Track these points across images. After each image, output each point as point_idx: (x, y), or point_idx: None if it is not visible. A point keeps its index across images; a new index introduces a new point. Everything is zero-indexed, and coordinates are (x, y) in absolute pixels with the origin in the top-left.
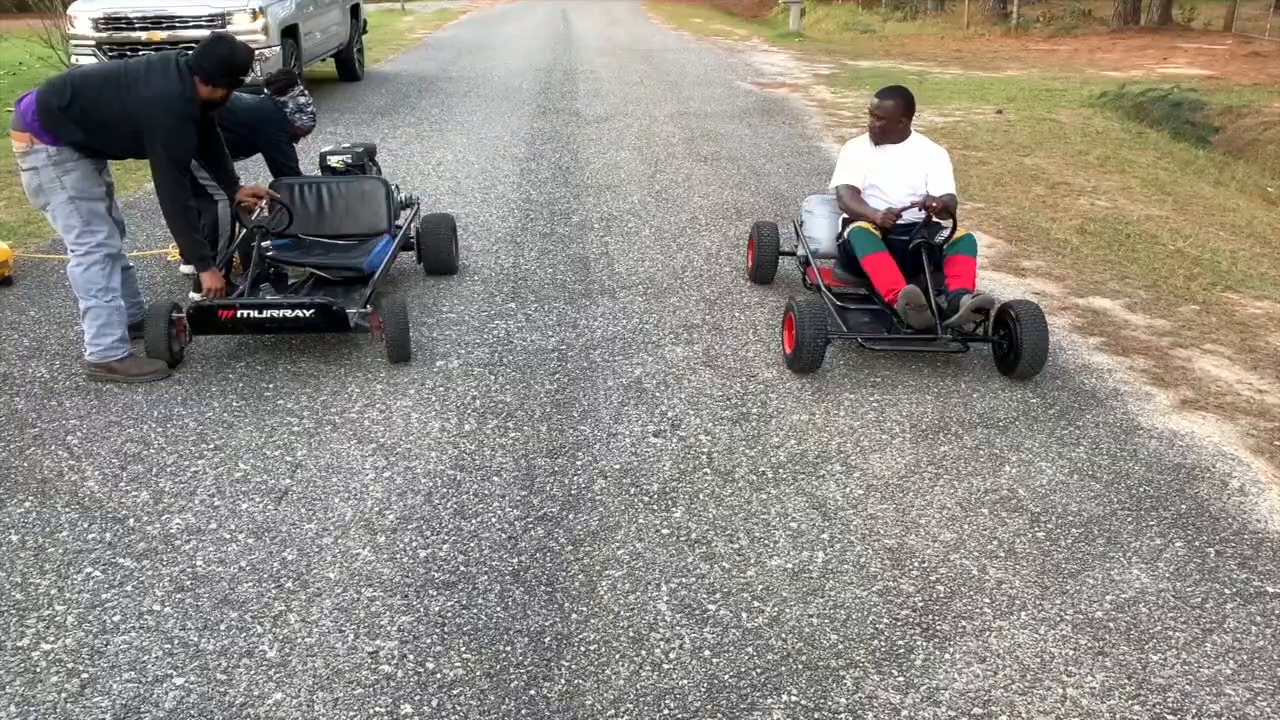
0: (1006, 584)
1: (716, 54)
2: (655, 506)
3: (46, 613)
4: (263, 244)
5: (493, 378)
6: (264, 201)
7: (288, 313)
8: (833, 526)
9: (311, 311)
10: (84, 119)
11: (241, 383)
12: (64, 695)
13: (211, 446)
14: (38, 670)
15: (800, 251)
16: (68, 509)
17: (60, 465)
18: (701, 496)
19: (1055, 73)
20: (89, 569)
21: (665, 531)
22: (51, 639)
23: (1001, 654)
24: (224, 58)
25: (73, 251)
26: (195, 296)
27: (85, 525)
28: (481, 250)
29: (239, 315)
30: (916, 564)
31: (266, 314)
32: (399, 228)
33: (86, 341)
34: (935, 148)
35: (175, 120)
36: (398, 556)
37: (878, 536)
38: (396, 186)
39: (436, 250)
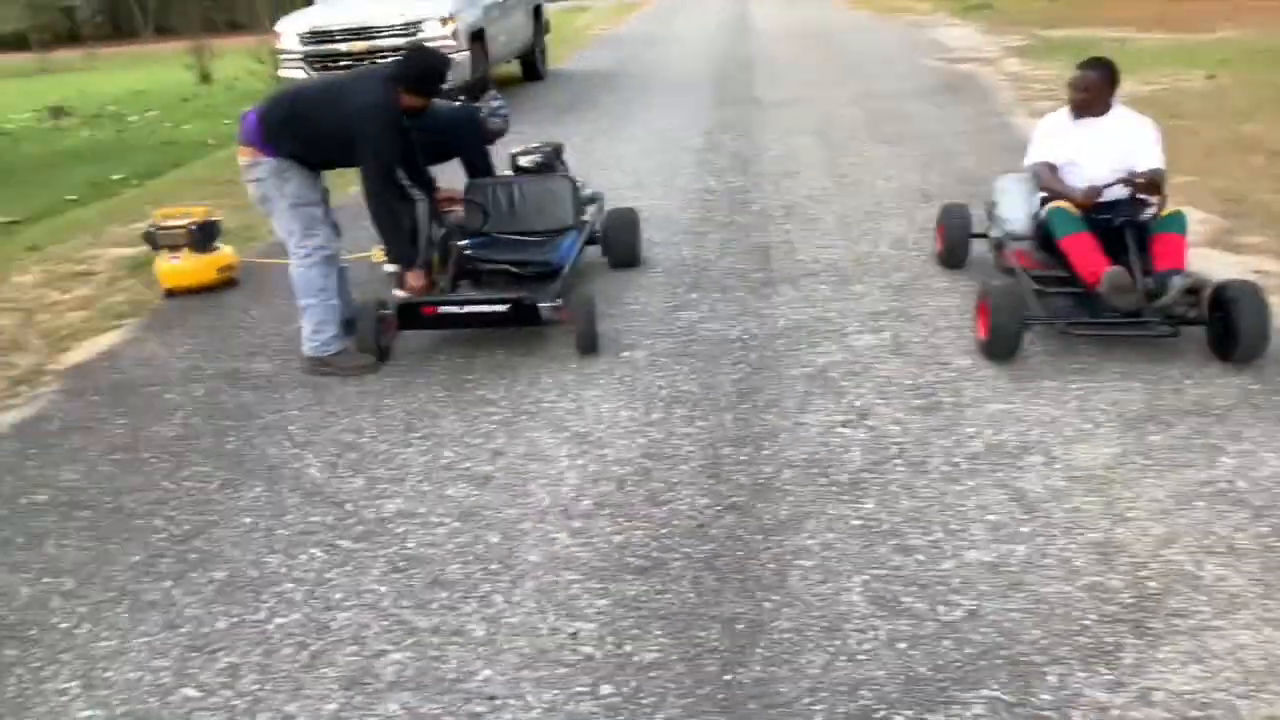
0: (1226, 581)
1: (899, 31)
2: (845, 497)
3: (278, 589)
4: (460, 243)
5: (678, 367)
6: (459, 203)
7: (485, 308)
8: (1034, 520)
9: (507, 306)
10: (301, 132)
11: (444, 375)
12: (296, 666)
13: (419, 435)
14: (272, 642)
15: (993, 234)
16: (293, 494)
17: (285, 453)
18: (893, 488)
19: (1276, 30)
20: (313, 549)
21: (856, 522)
22: (283, 614)
23: (1221, 655)
24: (423, 69)
25: (293, 255)
26: (400, 294)
27: (309, 509)
28: (664, 242)
29: (441, 311)
30: (1125, 559)
31: (466, 309)
32: (585, 223)
33: (305, 338)
34: (1141, 119)
35: (381, 128)
36: (593, 541)
37: (1083, 530)
38: (582, 184)
39: (621, 244)
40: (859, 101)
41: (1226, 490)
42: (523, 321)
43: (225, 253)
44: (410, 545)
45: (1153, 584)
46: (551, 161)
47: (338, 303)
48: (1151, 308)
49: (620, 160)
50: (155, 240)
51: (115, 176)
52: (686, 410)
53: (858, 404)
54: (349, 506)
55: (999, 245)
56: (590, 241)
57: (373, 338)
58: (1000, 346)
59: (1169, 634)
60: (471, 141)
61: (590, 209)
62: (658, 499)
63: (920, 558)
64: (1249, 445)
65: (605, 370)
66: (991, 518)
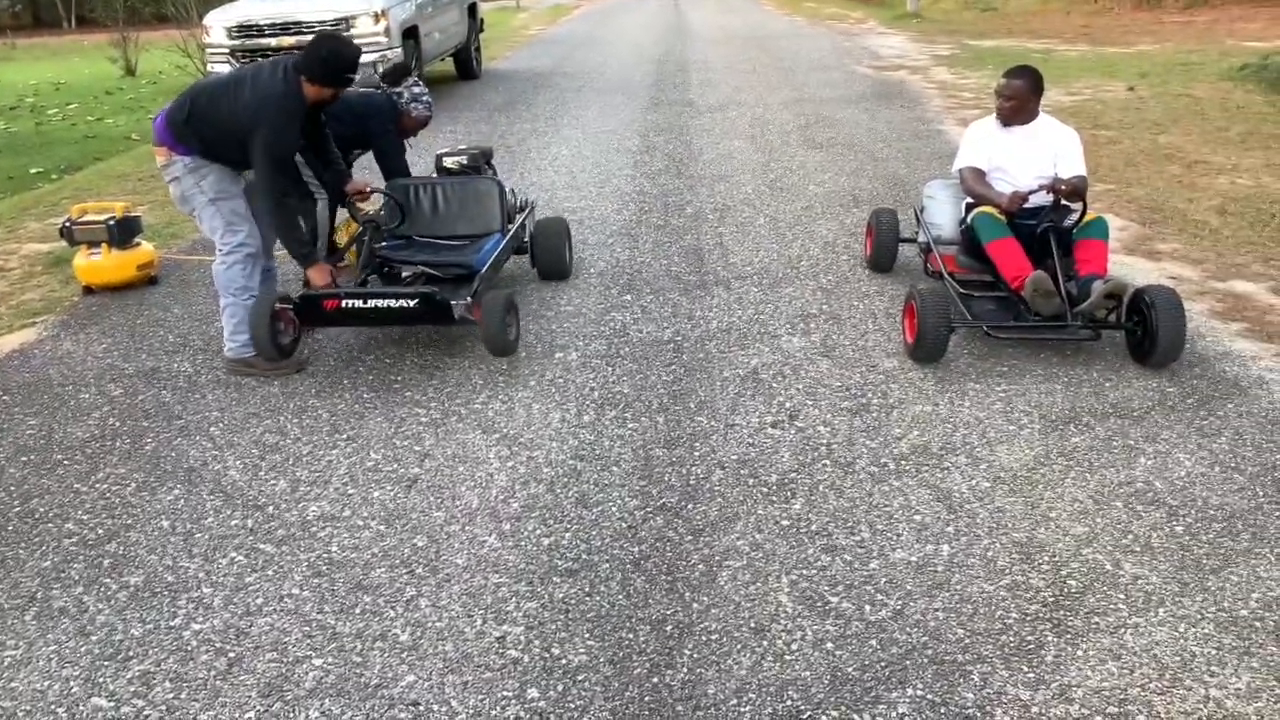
0: (1143, 580)
1: (831, 38)
2: (774, 498)
3: (195, 595)
4: (375, 243)
5: (610, 369)
6: (374, 198)
7: (392, 303)
8: (958, 520)
9: (415, 301)
10: (202, 128)
11: (371, 375)
12: (213, 673)
13: (344, 437)
14: (189, 649)
15: (921, 238)
16: (212, 496)
17: (205, 455)
18: (821, 488)
19: (1192, 45)
20: (233, 554)
21: (785, 523)
22: (201, 619)
23: (1138, 652)
24: (325, 58)
25: (218, 251)
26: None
27: (229, 512)
28: (597, 244)
29: (344, 305)
30: (1047, 558)
31: (371, 304)
32: (512, 230)
33: (225, 338)
34: (1064, 128)
35: (276, 119)
36: (522, 544)
37: (1006, 530)
38: (512, 190)
39: (550, 255)
40: (791, 107)
41: (1144, 491)
42: (433, 319)
43: (145, 249)
44: (334, 549)
45: (1073, 582)
46: (479, 164)
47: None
48: (1073, 312)
49: (555, 160)
50: (72, 236)
51: (33, 170)
52: (618, 411)
53: (787, 405)
54: (271, 510)
55: (927, 249)
56: (519, 251)
57: (268, 335)
58: (927, 349)
59: (1088, 632)
60: (385, 129)
61: (520, 216)
62: (588, 501)
63: (847, 558)
64: (1164, 446)
65: (537, 372)
66: (917, 518)
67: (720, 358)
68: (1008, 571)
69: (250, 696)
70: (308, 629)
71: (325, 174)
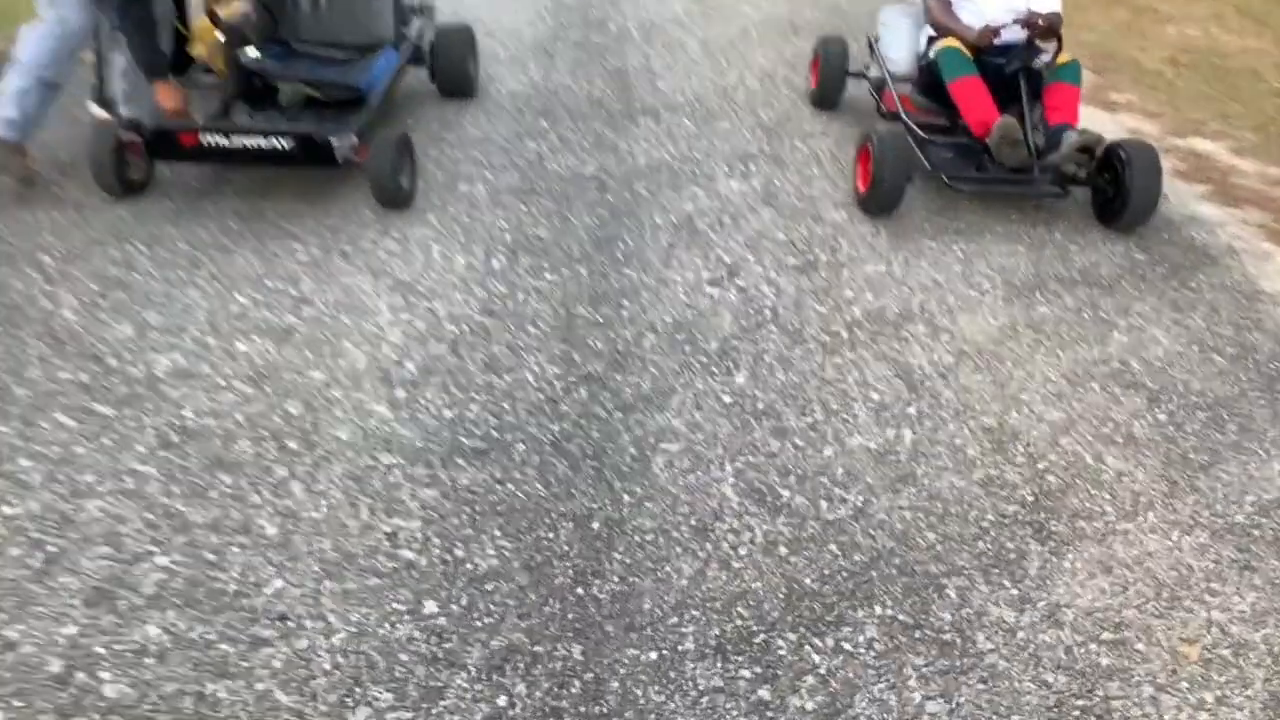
0: (1128, 477)
1: None
2: (715, 369)
3: (8, 468)
4: (244, 50)
5: (524, 207)
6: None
7: (261, 142)
8: (920, 399)
9: (290, 143)
10: None
11: (240, 201)
12: (26, 573)
13: (205, 274)
14: None
15: (873, 72)
16: (37, 341)
17: (31, 289)
18: (767, 358)
19: None
20: (59, 415)
21: (727, 399)
22: (13, 501)
23: (1130, 564)
24: None
25: (38, 19)
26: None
27: (58, 362)
28: (508, 59)
29: (204, 142)
30: (1021, 448)
31: (237, 142)
32: (406, 39)
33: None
34: None
35: None
36: (419, 416)
37: (974, 413)
38: None
39: (452, 69)
40: None
41: (1121, 371)
42: (311, 162)
43: None
44: (187, 413)
45: (1052, 478)
46: None
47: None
48: (1041, 164)
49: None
50: None
51: None
52: (534, 259)
53: (727, 260)
54: (111, 361)
55: (879, 86)
56: (416, 61)
57: (111, 168)
58: (881, 200)
59: (1074, 539)
60: None
61: (416, 23)
62: (498, 365)
63: (799, 442)
64: (1138, 320)
65: (437, 206)
66: (875, 396)
67: (650, 200)
68: (979, 463)
69: (71, 606)
70: (151, 517)
71: None
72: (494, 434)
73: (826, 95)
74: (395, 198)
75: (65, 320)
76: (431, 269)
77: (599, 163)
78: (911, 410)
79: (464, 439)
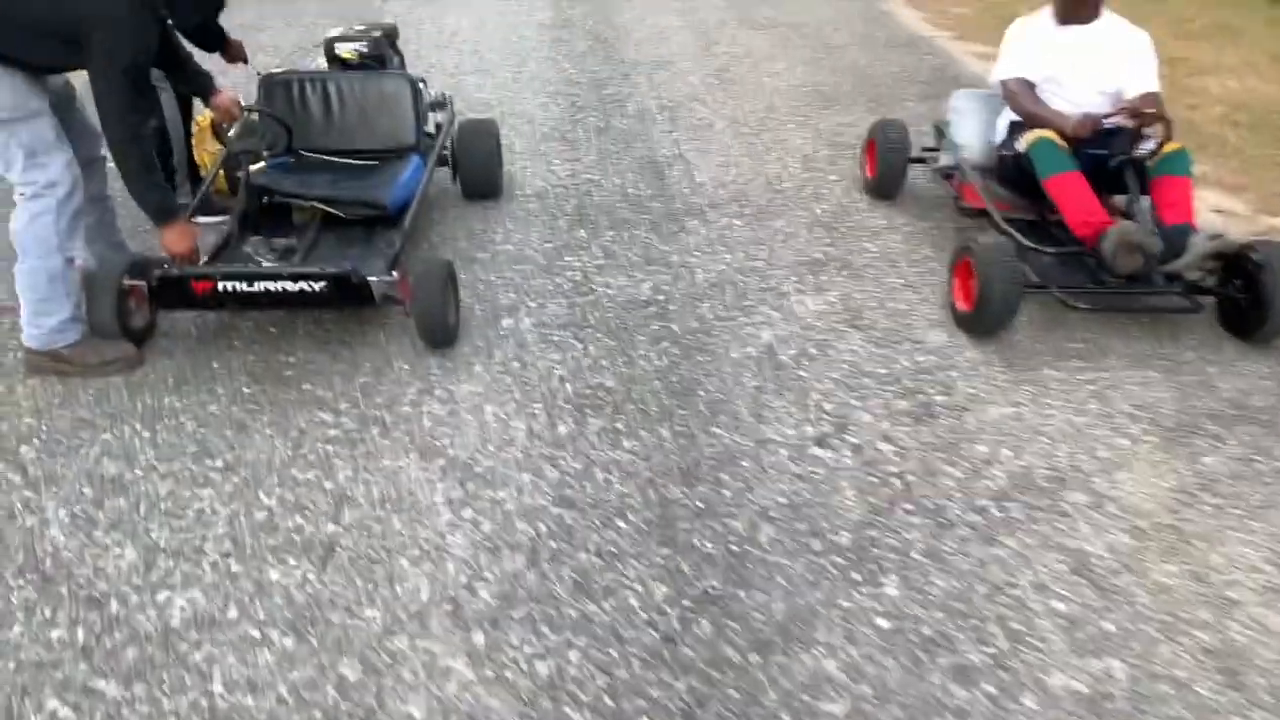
0: None
1: None
2: (856, 575)
3: None
4: (254, 168)
5: (579, 345)
6: (239, 115)
7: (289, 285)
8: (1113, 608)
9: (322, 284)
10: None
11: (251, 354)
12: None
13: (219, 465)
14: None
15: (944, 161)
16: (21, 580)
17: (10, 497)
18: (915, 555)
19: None
20: (51, 701)
21: (884, 624)
22: None
23: None
24: None
25: (18, 195)
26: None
27: (47, 612)
28: (527, 151)
29: (221, 288)
30: (1261, 680)
31: (260, 286)
32: (431, 139)
33: (25, 319)
34: (1136, 32)
35: (127, 14)
36: (507, 676)
37: (1184, 625)
38: (423, 80)
39: (478, 169)
40: None
41: None
42: (347, 303)
43: None
44: (216, 688)
45: None
46: (383, 52)
47: (77, 265)
48: (1161, 271)
49: (455, 36)
50: None
51: None
52: (605, 420)
53: (828, 408)
54: (114, 607)
55: (948, 175)
56: (438, 163)
57: (112, 317)
58: (991, 322)
59: None
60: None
61: (436, 117)
62: (593, 587)
63: (989, 688)
64: None
65: (481, 350)
66: (1059, 606)
67: (721, 328)
68: (1218, 709)
69: None
70: None
71: (179, 75)
72: (606, 701)
73: (886, 185)
74: (446, 336)
75: (54, 544)
76: (488, 441)
77: (653, 282)
78: (1109, 625)
79: (569, 710)
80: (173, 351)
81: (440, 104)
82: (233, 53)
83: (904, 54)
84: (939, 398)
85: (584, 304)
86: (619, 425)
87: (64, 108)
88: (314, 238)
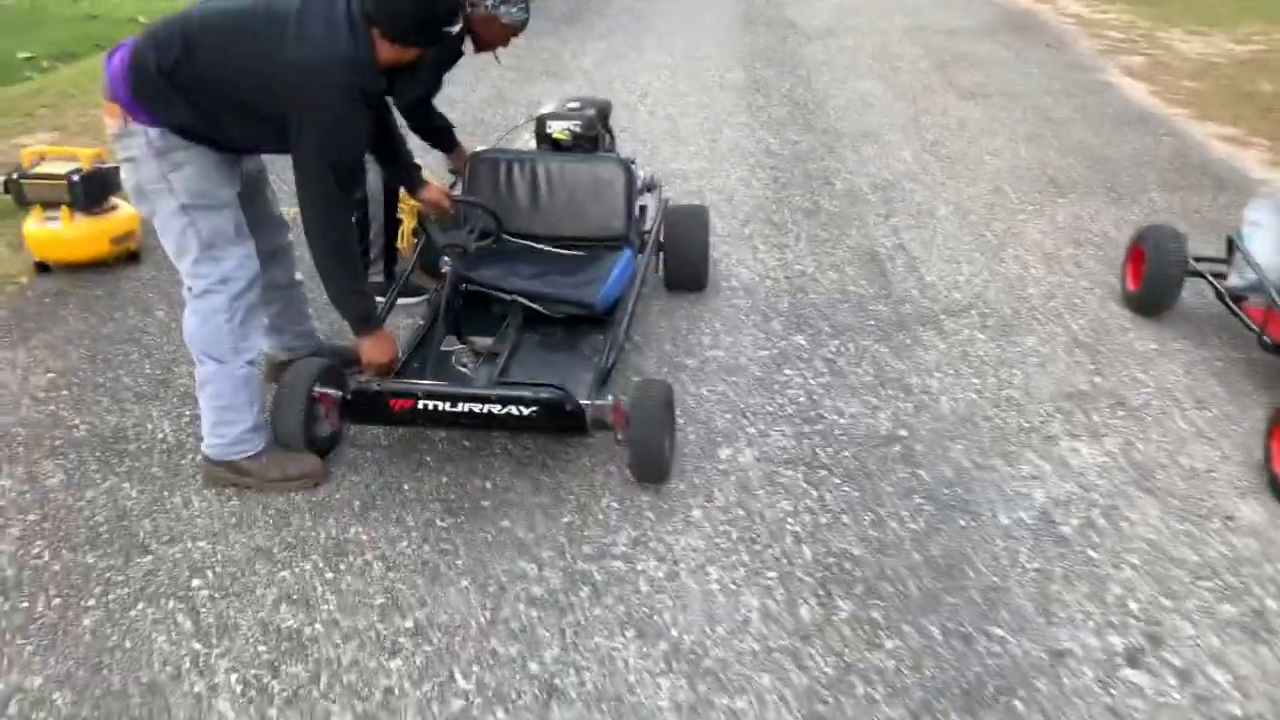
0: None
1: None
2: None
3: None
4: (457, 262)
5: (813, 493)
6: (448, 206)
7: (495, 408)
8: None
9: (532, 409)
10: (197, 88)
11: (444, 473)
12: None
13: (409, 624)
14: None
15: (1235, 280)
16: None
17: (179, 651)
18: None
19: None
20: None
21: None
22: None
23: None
24: (423, 6)
25: (187, 290)
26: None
27: None
28: (730, 234)
29: (421, 407)
30: None
31: (463, 408)
32: (642, 229)
33: (206, 428)
34: None
35: (340, 101)
36: None
37: None
38: (632, 161)
39: (686, 261)
40: (913, 36)
41: None
42: (556, 429)
43: (124, 213)
44: None
45: None
46: (596, 131)
47: (257, 370)
48: None
49: (645, 97)
50: (22, 193)
51: (21, 55)
52: (856, 607)
53: (1133, 608)
54: None
55: (1239, 298)
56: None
57: (298, 429)
58: None
59: None
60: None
61: (646, 201)
62: None
63: None
64: None
65: (699, 488)
66: None
67: (982, 480)
68: None
69: None
70: None
71: (388, 162)
72: None
73: (1154, 301)
74: (662, 471)
75: None
76: (716, 620)
77: (892, 411)
78: None
79: None
80: (360, 465)
81: (650, 187)
82: (457, 162)
83: (1137, 134)
84: (1272, 603)
85: (813, 435)
86: (875, 614)
87: (253, 192)
88: (516, 338)
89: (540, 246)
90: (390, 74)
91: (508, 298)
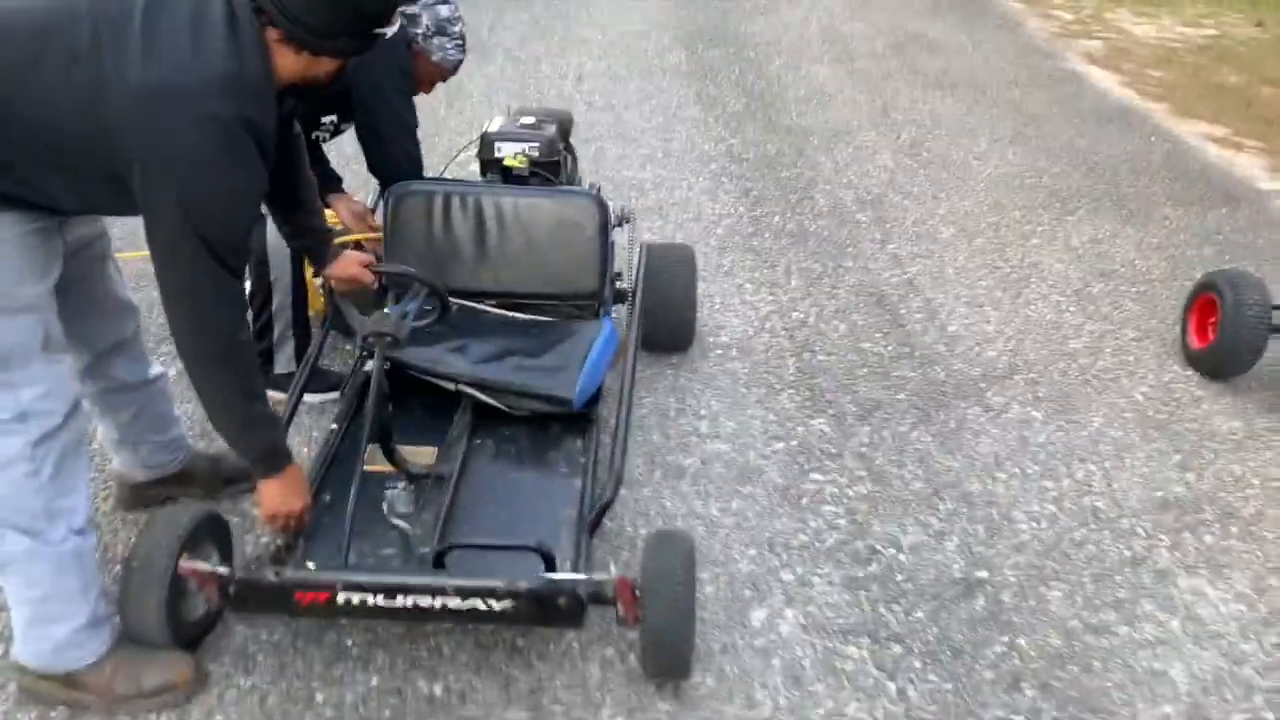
0: None
1: None
2: None
3: None
4: (384, 352)
5: (891, 686)
6: (370, 280)
7: (453, 602)
8: None
9: (507, 602)
10: None
11: (376, 671)
12: None
13: None
14: None
15: None
16: None
17: None
18: None
19: None
20: None
21: None
22: None
23: None
24: None
25: None
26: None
27: None
28: (706, 266)
29: (342, 601)
30: None
31: (405, 601)
32: (621, 287)
33: (17, 629)
34: None
35: (213, 142)
36: None
37: None
38: (595, 187)
39: (667, 316)
40: (859, 14)
41: None
42: (540, 623)
43: None
44: None
45: None
46: (555, 155)
47: (91, 543)
48: None
49: (580, 83)
50: None
51: None
52: None
53: None
54: None
55: None
56: (616, 297)
57: (160, 619)
58: None
59: None
60: (384, 86)
61: (614, 237)
62: None
63: None
64: None
65: (736, 682)
66: None
67: (1098, 648)
68: None
69: None
70: None
71: (288, 221)
72: None
73: (1230, 363)
74: (681, 668)
75: None
76: None
77: (960, 537)
78: None
79: None
80: (251, 659)
81: (622, 220)
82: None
83: (1122, 133)
84: None
85: (870, 583)
86: None
87: (85, 269)
88: (465, 447)
89: (491, 310)
90: (297, 94)
91: (452, 387)
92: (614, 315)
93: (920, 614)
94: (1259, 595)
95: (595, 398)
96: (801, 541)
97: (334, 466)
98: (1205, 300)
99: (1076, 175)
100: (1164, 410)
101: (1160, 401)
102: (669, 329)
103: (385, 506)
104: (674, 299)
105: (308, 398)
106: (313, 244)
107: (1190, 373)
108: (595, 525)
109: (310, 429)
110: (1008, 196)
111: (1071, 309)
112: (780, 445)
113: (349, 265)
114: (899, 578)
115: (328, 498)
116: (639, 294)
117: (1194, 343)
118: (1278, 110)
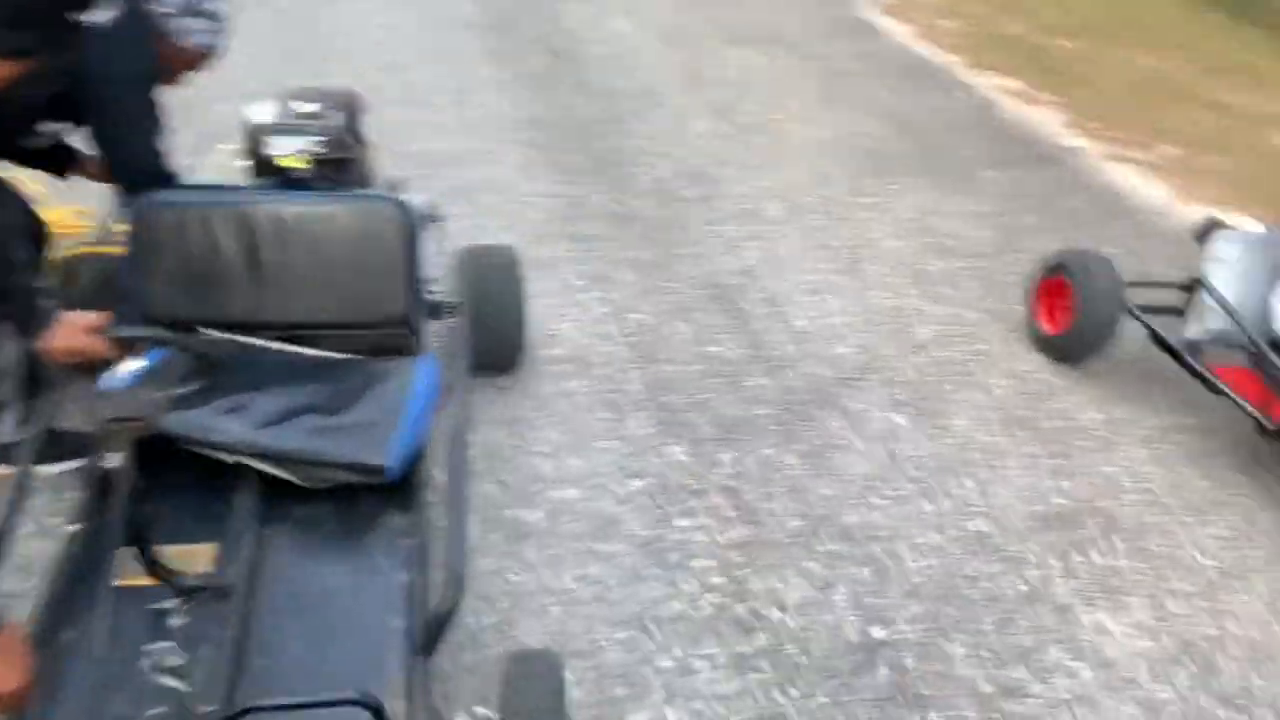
0: None
1: None
2: None
3: None
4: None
5: None
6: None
7: None
8: None
9: None
10: None
11: None
12: None
13: None
14: None
15: (1193, 331)
16: None
17: None
18: None
19: None
20: None
21: None
22: None
23: None
24: None
25: None
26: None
27: None
28: (527, 259)
29: None
30: None
31: None
32: (433, 303)
33: None
34: None
35: None
36: None
37: None
38: (396, 183)
39: (491, 332)
40: None
41: None
42: None
43: None
44: None
45: None
46: (344, 150)
47: None
48: None
49: (360, 37)
50: None
51: None
52: None
53: None
54: None
55: (1194, 349)
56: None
57: None
58: None
59: None
60: (118, 71)
61: (423, 245)
62: None
63: None
64: None
65: None
66: None
67: (1018, 715)
68: None
69: None
70: None
71: None
72: None
73: (1082, 348)
74: None
75: None
76: None
77: (847, 587)
78: None
79: None
80: None
81: (429, 218)
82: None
83: (930, 90)
84: None
85: (758, 659)
86: None
87: None
88: (254, 539)
89: (274, 346)
90: None
91: (230, 459)
92: (432, 341)
93: (822, 697)
94: (1160, 624)
95: (417, 459)
96: (675, 611)
97: (76, 586)
98: (1055, 283)
99: (893, 139)
100: (1024, 405)
101: (1018, 394)
102: (495, 349)
103: (146, 665)
104: (500, 313)
105: (44, 468)
106: (20, 307)
107: (1039, 356)
108: (433, 644)
109: (49, 519)
110: (830, 164)
111: (912, 292)
112: (637, 484)
113: (72, 334)
114: (790, 649)
115: (71, 633)
116: (467, 319)
117: (1046, 328)
118: (1062, 60)
